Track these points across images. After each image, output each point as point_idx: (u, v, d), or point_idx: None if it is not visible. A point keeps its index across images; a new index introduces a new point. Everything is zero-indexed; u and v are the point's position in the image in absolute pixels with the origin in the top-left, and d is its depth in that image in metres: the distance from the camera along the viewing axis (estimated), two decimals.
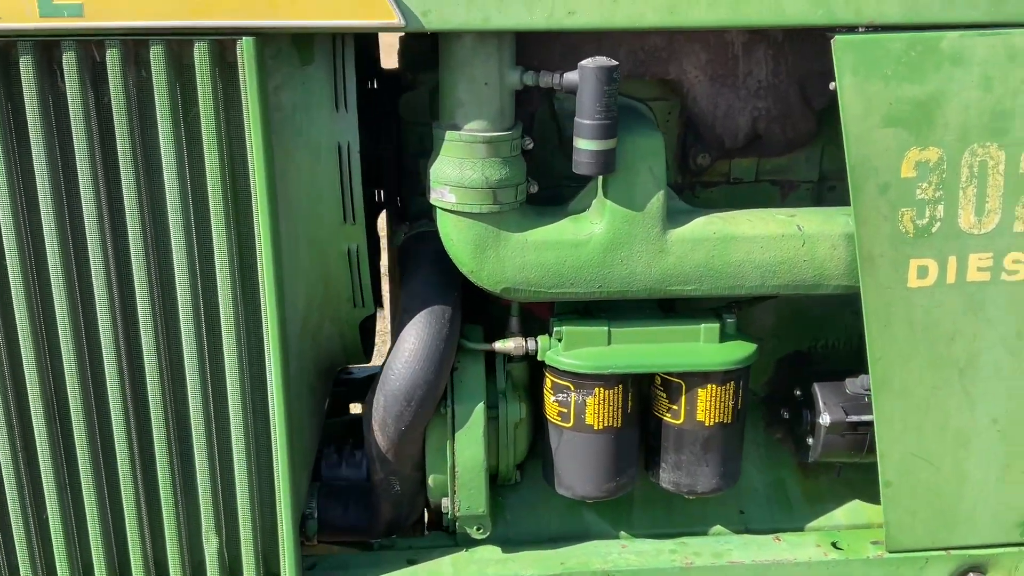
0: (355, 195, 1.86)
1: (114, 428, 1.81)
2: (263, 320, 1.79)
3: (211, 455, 1.85)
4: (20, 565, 1.89)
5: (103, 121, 1.65)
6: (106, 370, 1.78)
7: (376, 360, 2.44)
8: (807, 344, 2.30)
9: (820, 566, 2.05)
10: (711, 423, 1.99)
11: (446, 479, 2.01)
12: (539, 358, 2.00)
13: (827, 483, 2.24)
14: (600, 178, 1.85)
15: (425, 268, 2.00)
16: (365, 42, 2.05)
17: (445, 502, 2.03)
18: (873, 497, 2.14)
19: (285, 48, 1.75)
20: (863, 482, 2.18)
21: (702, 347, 1.97)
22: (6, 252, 1.69)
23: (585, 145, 1.75)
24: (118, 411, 1.80)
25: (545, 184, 1.92)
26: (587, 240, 1.86)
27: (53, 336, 1.76)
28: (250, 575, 1.92)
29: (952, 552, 2.06)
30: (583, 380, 1.95)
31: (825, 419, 2.02)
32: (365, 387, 2.63)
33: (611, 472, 2.01)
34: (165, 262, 1.74)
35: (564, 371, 1.96)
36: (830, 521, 2.20)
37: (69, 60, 1.61)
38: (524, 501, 2.17)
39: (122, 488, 1.86)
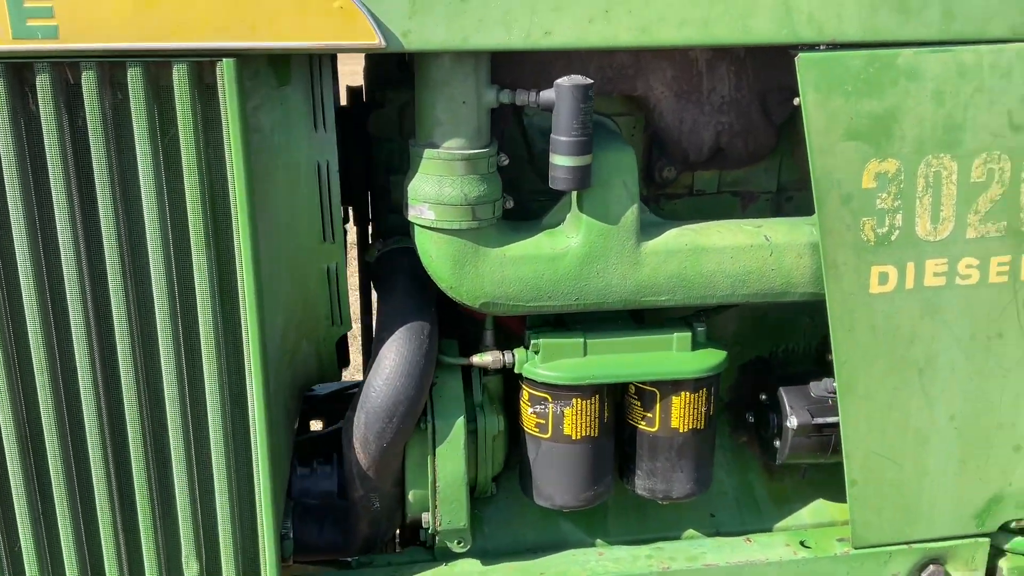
0: (335, 214, 1.86)
1: (91, 451, 1.78)
2: (243, 341, 1.77)
3: (191, 479, 1.83)
4: None
5: (77, 143, 1.63)
6: (82, 393, 1.75)
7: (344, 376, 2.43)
8: (768, 350, 2.37)
9: (791, 565, 2.12)
10: (685, 429, 2.04)
11: (426, 494, 2.02)
12: (516, 371, 2.02)
13: (792, 484, 2.31)
14: (575, 193, 1.89)
15: (402, 284, 2.01)
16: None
17: (425, 517, 2.04)
18: (836, 496, 2.23)
19: (263, 69, 1.75)
20: (826, 482, 2.26)
21: (675, 356, 2.02)
22: None
23: (562, 161, 1.79)
24: (95, 434, 1.77)
25: (516, 199, 1.95)
26: (564, 254, 1.89)
27: (25, 360, 1.72)
28: None
29: (914, 546, 2.14)
30: (561, 391, 1.98)
31: (792, 422, 2.09)
32: (326, 404, 2.63)
33: (589, 481, 2.05)
34: (143, 285, 1.71)
35: (542, 383, 1.99)
36: (797, 521, 2.27)
37: (43, 82, 1.58)
38: (501, 513, 2.19)
39: (99, 513, 1.82)
